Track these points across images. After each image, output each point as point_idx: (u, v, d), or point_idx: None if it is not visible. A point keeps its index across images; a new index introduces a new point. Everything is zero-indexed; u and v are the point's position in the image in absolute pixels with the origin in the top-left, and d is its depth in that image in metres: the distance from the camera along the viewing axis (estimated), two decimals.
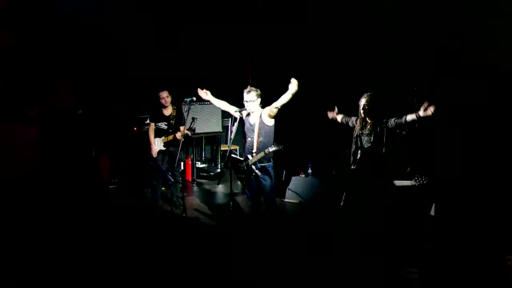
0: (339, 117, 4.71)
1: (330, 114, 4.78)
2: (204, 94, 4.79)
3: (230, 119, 7.42)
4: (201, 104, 7.09)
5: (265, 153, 4.27)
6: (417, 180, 4.45)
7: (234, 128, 4.54)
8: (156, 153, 5.56)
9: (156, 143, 5.58)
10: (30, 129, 5.90)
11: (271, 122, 4.39)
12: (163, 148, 5.54)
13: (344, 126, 4.72)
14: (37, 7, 6.05)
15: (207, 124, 7.23)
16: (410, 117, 4.17)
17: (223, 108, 4.82)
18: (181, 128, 5.49)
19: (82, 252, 4.20)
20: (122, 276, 3.82)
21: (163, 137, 5.55)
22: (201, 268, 3.99)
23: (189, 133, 5.39)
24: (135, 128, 7.10)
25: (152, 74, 7.30)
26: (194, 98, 5.21)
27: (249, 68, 7.47)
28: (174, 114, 5.53)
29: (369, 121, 4.33)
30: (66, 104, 6.72)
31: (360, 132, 4.39)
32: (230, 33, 7.10)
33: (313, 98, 6.42)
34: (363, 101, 4.35)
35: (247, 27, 6.98)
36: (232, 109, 4.64)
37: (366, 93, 4.39)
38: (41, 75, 6.29)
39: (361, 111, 4.36)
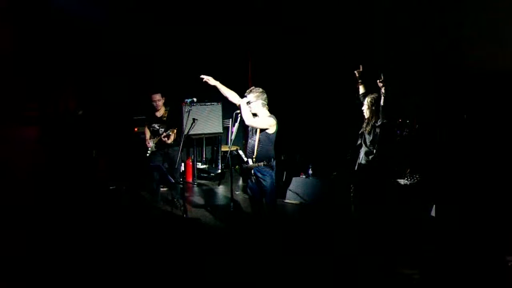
0: (361, 89, 4.76)
1: (356, 73, 4.77)
2: (208, 80, 4.42)
3: (230, 119, 7.42)
4: (202, 105, 7.10)
5: (264, 164, 4.26)
6: (409, 179, 4.51)
7: (235, 129, 4.50)
8: (150, 148, 5.63)
9: (150, 143, 5.66)
10: (31, 130, 5.90)
11: (271, 130, 4.27)
12: (154, 149, 5.58)
13: (343, 125, 4.75)
14: (37, 7, 6.06)
15: (208, 125, 7.22)
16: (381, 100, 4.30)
17: (230, 99, 4.44)
18: (170, 133, 5.50)
19: (82, 253, 4.20)
20: (122, 277, 3.82)
21: (154, 139, 5.63)
22: (201, 269, 4.00)
23: (166, 140, 5.46)
24: (136, 129, 7.12)
25: (152, 74, 7.33)
26: (195, 99, 5.19)
27: (249, 68, 7.48)
28: (166, 115, 5.56)
29: (371, 121, 4.43)
30: (67, 105, 6.73)
31: (364, 129, 4.54)
32: (229, 33, 7.10)
33: (313, 99, 6.45)
34: (366, 101, 4.49)
35: (247, 27, 6.98)
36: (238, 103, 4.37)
37: (371, 93, 4.52)
38: (42, 76, 6.29)
39: (364, 110, 4.51)
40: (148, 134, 5.74)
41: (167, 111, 5.61)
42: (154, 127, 5.65)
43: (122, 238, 4.67)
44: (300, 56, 6.65)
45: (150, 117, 5.71)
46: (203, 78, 4.43)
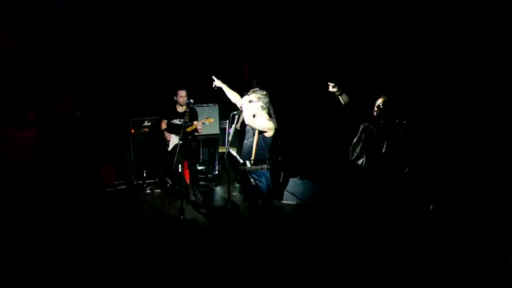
0: (342, 100, 4.73)
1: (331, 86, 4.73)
2: (215, 82, 4.66)
3: (227, 121, 7.42)
4: (200, 106, 7.12)
5: (261, 169, 4.25)
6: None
7: (232, 130, 4.50)
8: (171, 143, 5.95)
9: (172, 138, 5.94)
10: (29, 132, 5.90)
11: (269, 133, 4.26)
12: (180, 142, 5.46)
13: (341, 128, 4.78)
14: (36, 8, 6.06)
15: (205, 126, 7.22)
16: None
17: (233, 100, 4.57)
18: (194, 123, 5.91)
19: (80, 255, 4.20)
20: (120, 279, 3.82)
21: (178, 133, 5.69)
22: (198, 270, 4.00)
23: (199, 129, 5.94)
24: (132, 131, 7.12)
25: (150, 75, 7.33)
26: (192, 100, 5.48)
27: (246, 69, 7.49)
28: (188, 110, 5.67)
29: (381, 121, 4.54)
30: (64, 107, 6.73)
31: (371, 128, 4.65)
32: (229, 33, 7.11)
33: (312, 99, 6.45)
34: (379, 101, 4.62)
35: (247, 27, 6.99)
36: (239, 104, 4.43)
37: (383, 94, 4.66)
38: (40, 77, 6.30)
39: (376, 110, 4.64)
40: (164, 128, 6.02)
41: (188, 106, 5.64)
42: (174, 122, 5.93)
43: (119, 240, 4.68)
44: (297, 58, 6.66)
45: (170, 113, 5.97)
46: (213, 80, 4.65)
